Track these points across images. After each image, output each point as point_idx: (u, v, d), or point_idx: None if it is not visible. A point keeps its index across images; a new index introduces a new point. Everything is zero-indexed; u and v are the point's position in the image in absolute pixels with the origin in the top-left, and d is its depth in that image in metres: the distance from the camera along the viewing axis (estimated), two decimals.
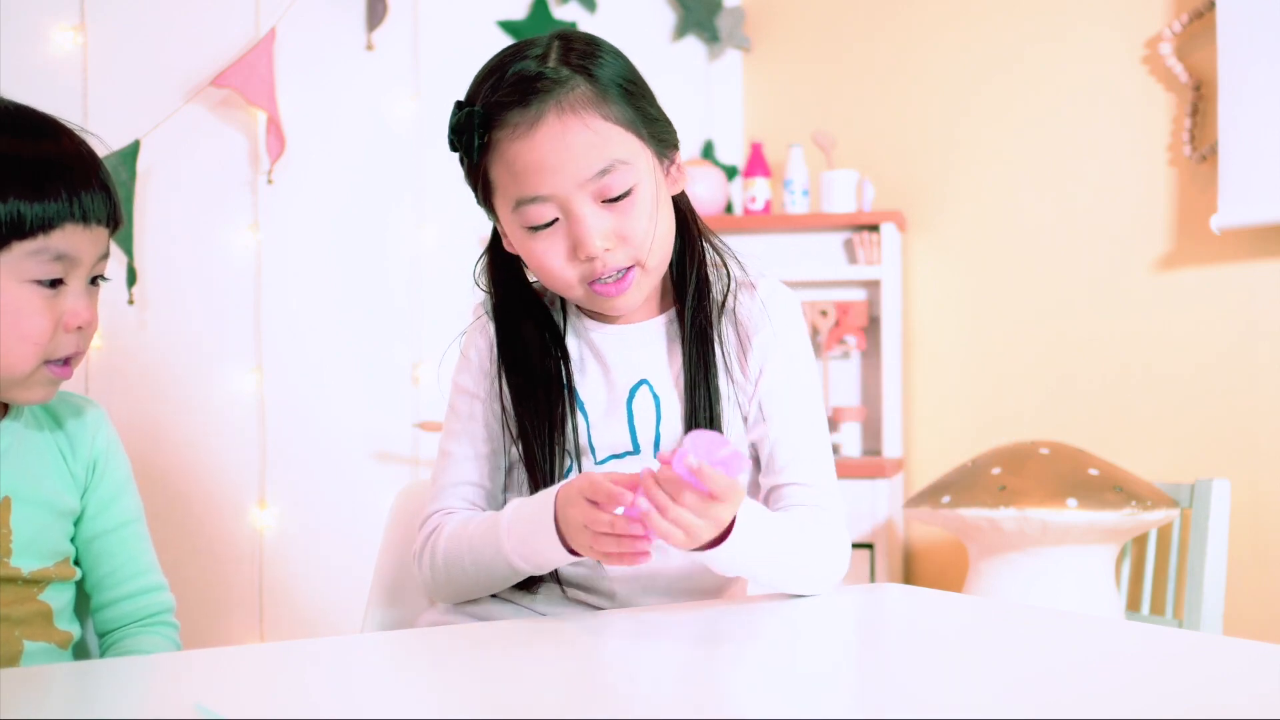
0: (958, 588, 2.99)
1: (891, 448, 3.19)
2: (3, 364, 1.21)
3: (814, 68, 3.51)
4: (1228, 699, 0.88)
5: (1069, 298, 3.07)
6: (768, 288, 1.39)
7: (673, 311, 1.38)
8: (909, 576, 3.27)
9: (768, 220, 3.29)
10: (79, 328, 1.24)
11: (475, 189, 1.33)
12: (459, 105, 1.29)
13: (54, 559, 1.33)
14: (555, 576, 1.33)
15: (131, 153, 2.66)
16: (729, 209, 3.42)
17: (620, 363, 1.36)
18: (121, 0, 2.71)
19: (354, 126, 3.03)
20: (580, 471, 1.32)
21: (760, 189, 3.31)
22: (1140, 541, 2.85)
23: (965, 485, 2.65)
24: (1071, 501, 2.52)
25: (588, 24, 3.37)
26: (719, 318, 1.36)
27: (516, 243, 1.31)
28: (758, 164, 3.33)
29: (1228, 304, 2.82)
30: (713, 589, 1.38)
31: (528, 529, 1.24)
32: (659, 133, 1.31)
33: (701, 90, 3.57)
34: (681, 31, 3.51)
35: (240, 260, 2.85)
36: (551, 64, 1.25)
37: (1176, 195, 2.92)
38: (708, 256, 1.38)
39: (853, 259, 3.30)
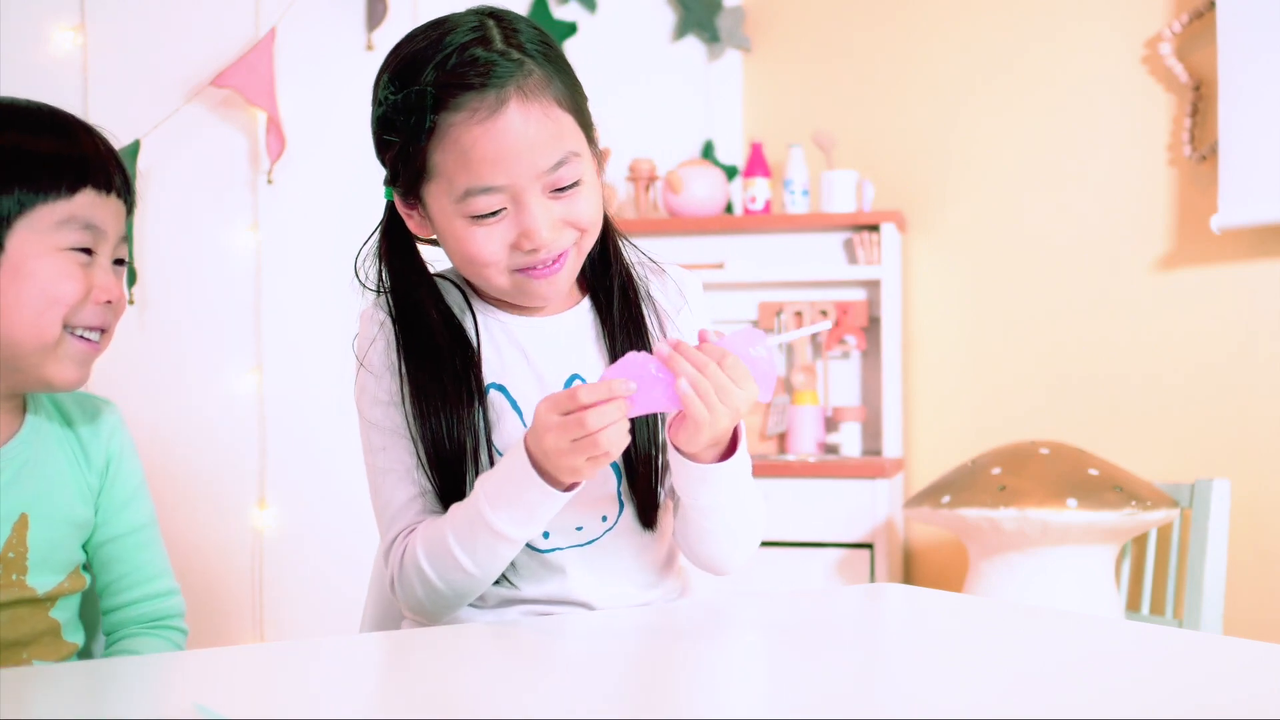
0: (958, 588, 2.99)
1: (891, 448, 3.19)
2: (30, 332, 1.22)
3: (814, 68, 3.50)
4: (1228, 699, 0.88)
5: (1069, 297, 3.07)
6: (676, 272, 1.41)
7: (586, 301, 1.35)
8: (909, 576, 3.27)
9: (768, 220, 3.29)
10: (108, 302, 1.26)
11: (399, 173, 1.26)
12: (394, 83, 1.21)
13: (66, 571, 1.32)
14: (526, 597, 1.30)
15: (131, 153, 2.66)
16: (729, 209, 3.42)
17: (546, 355, 1.32)
18: (121, 0, 2.71)
19: (354, 126, 3.01)
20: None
21: (760, 189, 3.31)
22: (1140, 541, 2.85)
23: (965, 485, 2.65)
24: (1071, 501, 2.52)
25: (588, 24, 3.36)
26: (643, 303, 1.34)
27: (448, 230, 1.24)
28: (758, 164, 3.33)
29: (1228, 304, 2.82)
30: (663, 568, 1.36)
31: (507, 490, 1.18)
32: (587, 111, 1.28)
33: (701, 90, 3.56)
34: (681, 31, 3.51)
35: (240, 260, 2.85)
36: (500, 45, 1.20)
37: (1176, 195, 2.92)
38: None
39: (853, 259, 3.30)
